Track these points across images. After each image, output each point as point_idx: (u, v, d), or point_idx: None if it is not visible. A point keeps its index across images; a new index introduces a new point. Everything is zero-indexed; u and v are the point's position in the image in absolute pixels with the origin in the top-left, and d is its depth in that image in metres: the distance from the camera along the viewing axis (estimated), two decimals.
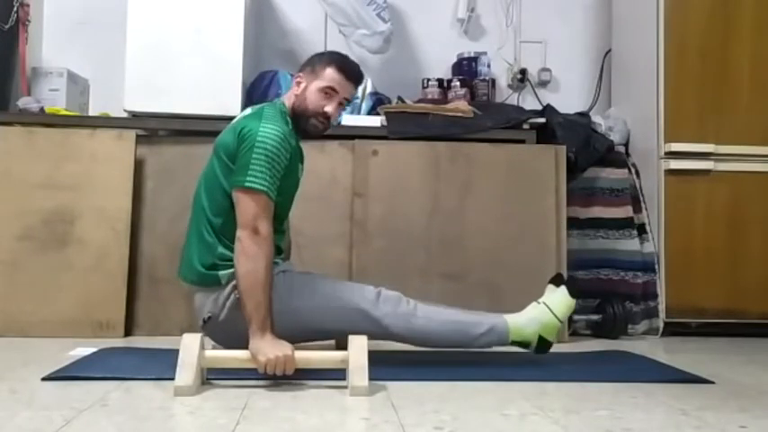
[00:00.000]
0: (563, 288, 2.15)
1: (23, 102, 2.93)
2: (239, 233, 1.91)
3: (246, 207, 1.91)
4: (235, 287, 1.95)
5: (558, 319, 2.10)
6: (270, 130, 1.95)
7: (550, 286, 2.19)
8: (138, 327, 2.71)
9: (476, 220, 2.84)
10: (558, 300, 2.13)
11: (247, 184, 1.91)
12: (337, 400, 1.70)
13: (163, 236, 2.74)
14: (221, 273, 2.00)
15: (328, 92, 2.08)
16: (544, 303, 2.13)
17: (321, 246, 2.78)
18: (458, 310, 2.13)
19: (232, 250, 1.94)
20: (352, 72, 2.11)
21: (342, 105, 2.14)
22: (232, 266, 1.94)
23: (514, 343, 2.09)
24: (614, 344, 2.73)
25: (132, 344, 2.48)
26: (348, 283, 2.20)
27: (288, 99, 2.15)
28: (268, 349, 1.78)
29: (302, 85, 2.11)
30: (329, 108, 2.08)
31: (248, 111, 2.13)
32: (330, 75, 2.08)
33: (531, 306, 2.15)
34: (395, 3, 3.51)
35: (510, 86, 3.63)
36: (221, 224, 2.01)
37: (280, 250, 2.13)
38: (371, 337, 1.90)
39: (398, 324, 2.03)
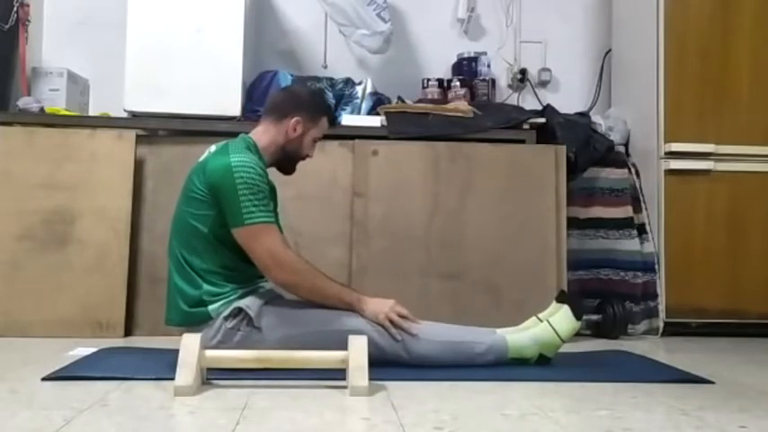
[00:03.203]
0: (566, 308, 2.14)
1: (23, 102, 2.93)
2: (268, 275, 2.01)
3: (256, 246, 1.97)
4: (225, 318, 1.97)
5: (562, 340, 2.11)
6: (242, 162, 1.97)
7: (555, 303, 2.18)
8: (138, 327, 2.71)
9: (476, 220, 2.84)
10: (562, 320, 2.12)
11: (247, 222, 1.94)
12: (337, 400, 1.69)
13: (163, 236, 2.69)
14: (210, 307, 1.99)
15: (318, 140, 2.22)
16: (548, 322, 2.12)
17: (321, 246, 2.78)
18: (455, 327, 2.11)
19: (218, 286, 2.00)
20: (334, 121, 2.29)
21: None
22: (220, 300, 1.98)
23: (513, 360, 2.09)
24: (614, 344, 2.73)
25: (132, 344, 2.48)
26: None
27: (266, 134, 2.13)
28: (376, 308, 2.01)
29: (299, 131, 2.15)
30: (312, 153, 2.22)
31: (213, 148, 2.12)
32: (324, 125, 2.21)
33: (532, 321, 2.15)
34: (395, 3, 3.51)
35: (510, 86, 3.63)
36: (200, 264, 2.01)
37: (261, 276, 2.10)
38: (370, 358, 1.82)
39: (396, 346, 2.02)
